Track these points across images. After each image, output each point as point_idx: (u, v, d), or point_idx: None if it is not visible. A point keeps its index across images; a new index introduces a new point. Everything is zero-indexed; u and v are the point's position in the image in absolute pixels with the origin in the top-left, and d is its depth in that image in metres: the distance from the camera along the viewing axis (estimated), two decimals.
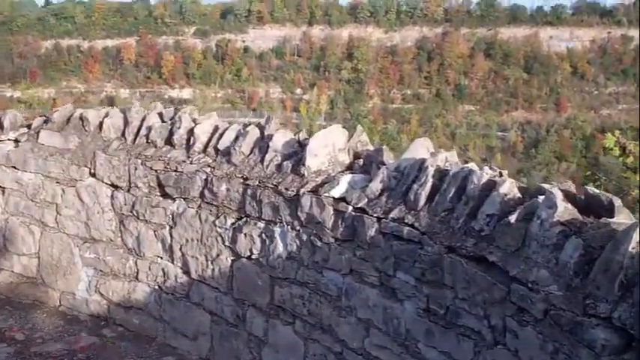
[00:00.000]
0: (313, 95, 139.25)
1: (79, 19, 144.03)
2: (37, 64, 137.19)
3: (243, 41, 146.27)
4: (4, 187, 8.92)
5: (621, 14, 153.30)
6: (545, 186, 4.88)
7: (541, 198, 4.71)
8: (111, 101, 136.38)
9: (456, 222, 5.18)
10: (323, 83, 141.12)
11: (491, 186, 5.08)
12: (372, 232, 5.78)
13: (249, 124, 7.33)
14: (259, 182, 6.81)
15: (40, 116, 9.16)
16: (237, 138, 7.24)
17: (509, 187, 5.00)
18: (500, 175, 5.23)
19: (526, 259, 4.57)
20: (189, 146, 7.61)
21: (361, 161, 6.54)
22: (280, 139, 6.94)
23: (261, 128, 7.22)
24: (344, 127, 7.23)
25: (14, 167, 8.78)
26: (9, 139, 8.84)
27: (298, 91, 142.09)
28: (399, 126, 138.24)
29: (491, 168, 5.34)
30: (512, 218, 4.73)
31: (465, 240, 5.03)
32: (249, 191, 6.92)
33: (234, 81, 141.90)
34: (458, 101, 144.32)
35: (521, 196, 5.01)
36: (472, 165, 5.42)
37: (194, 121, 7.85)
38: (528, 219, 4.64)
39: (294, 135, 7.08)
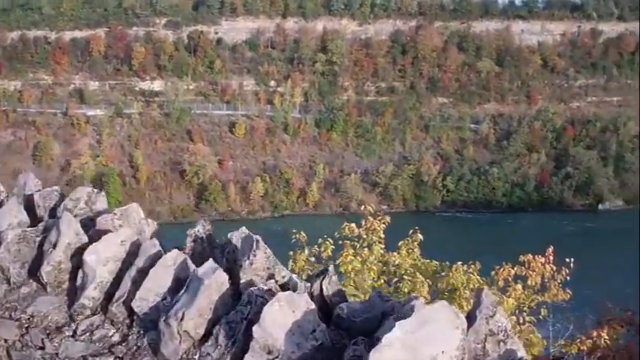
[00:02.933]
0: (287, 88, 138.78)
1: (46, 9, 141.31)
2: (3, 55, 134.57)
3: (216, 33, 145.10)
4: None
5: (591, 8, 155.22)
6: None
7: None
8: (80, 94, 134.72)
9: None
10: (297, 75, 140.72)
11: None
12: None
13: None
14: None
15: None
16: None
17: None
18: None
19: None
20: None
21: None
22: None
23: None
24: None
25: None
26: None
27: (272, 83, 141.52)
28: (373, 119, 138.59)
29: None
30: None
31: None
32: None
33: (207, 73, 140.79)
34: (431, 94, 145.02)
35: None
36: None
37: None
38: None
39: None
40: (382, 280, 13.15)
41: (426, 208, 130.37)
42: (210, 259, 4.78)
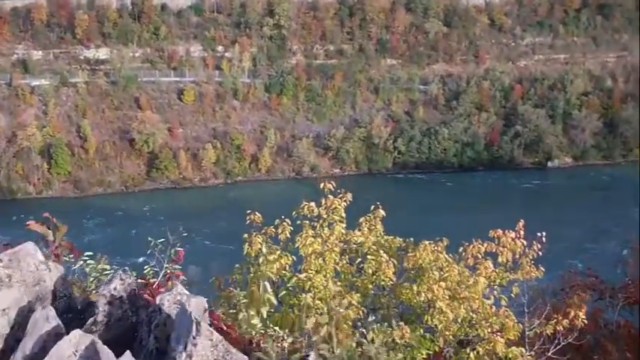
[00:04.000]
0: (235, 52, 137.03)
1: None
2: None
3: None
4: None
5: None
6: None
7: None
8: (23, 64, 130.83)
9: None
10: (245, 40, 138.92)
11: None
12: None
13: None
14: None
15: None
16: None
17: None
18: None
19: None
20: None
21: None
22: None
23: None
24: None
25: None
26: None
27: (220, 48, 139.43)
28: (323, 82, 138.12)
29: None
30: None
31: None
32: None
33: (153, 40, 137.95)
34: (380, 56, 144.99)
35: None
36: None
37: None
38: None
39: None
40: (344, 261, 12.96)
41: (378, 171, 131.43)
42: (128, 354, 3.37)
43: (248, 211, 13.95)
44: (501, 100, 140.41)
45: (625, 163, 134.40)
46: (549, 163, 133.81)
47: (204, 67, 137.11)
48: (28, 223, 5.27)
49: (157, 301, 3.90)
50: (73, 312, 3.81)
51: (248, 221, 13.75)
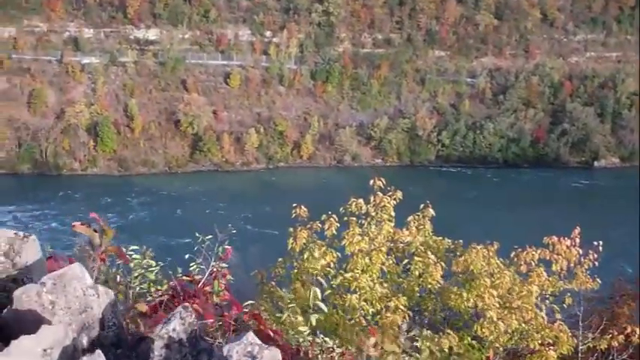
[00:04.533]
0: (283, 38, 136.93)
1: None
2: None
3: None
4: None
5: None
6: None
7: None
8: (75, 41, 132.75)
9: None
10: (293, 26, 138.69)
11: None
12: None
13: None
14: None
15: None
16: None
17: None
18: None
19: None
20: None
21: None
22: None
23: None
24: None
25: None
26: None
27: (268, 33, 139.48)
28: (369, 71, 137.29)
29: None
30: None
31: None
32: None
33: (202, 22, 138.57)
34: (428, 46, 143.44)
35: None
36: None
37: None
38: None
39: None
40: (391, 261, 12.60)
41: (421, 163, 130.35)
42: None
43: (294, 205, 13.55)
44: (550, 96, 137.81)
45: None
46: (596, 163, 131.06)
47: (252, 51, 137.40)
48: (73, 224, 4.93)
49: (225, 352, 3.50)
50: (123, 346, 3.43)
51: (294, 215, 13.37)
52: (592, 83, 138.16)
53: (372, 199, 13.26)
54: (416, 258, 12.30)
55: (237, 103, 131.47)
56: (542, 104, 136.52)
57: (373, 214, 13.09)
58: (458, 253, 12.70)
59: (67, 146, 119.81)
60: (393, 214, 13.14)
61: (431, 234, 13.44)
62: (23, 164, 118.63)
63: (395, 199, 13.28)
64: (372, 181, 13.56)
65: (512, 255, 12.91)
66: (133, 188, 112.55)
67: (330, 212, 13.36)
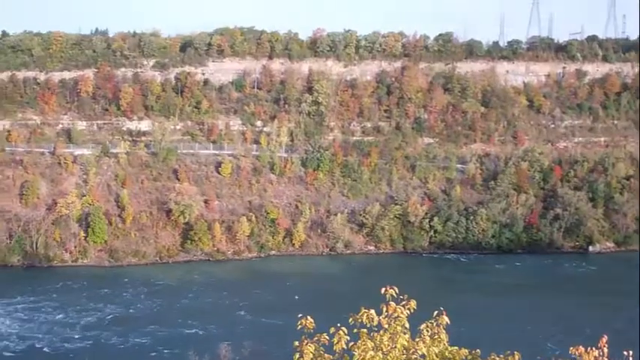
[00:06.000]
0: (273, 127, 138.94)
1: (36, 51, 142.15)
2: None
3: (203, 74, 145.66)
4: None
5: (575, 49, 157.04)
6: None
7: None
8: (68, 133, 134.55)
9: None
10: (283, 115, 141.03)
11: None
12: None
13: None
14: None
15: None
16: None
17: None
18: None
19: None
20: None
21: None
22: None
23: None
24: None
25: None
26: None
27: (259, 123, 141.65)
28: (359, 158, 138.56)
29: None
30: None
31: None
32: None
33: (194, 113, 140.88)
34: (417, 134, 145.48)
35: None
36: None
37: None
38: None
39: None
40: None
41: (414, 249, 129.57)
42: None
43: (299, 315, 12.89)
44: (540, 181, 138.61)
45: None
46: (590, 248, 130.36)
47: (243, 140, 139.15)
48: None
49: None
50: None
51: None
52: (582, 168, 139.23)
53: (383, 309, 12.51)
54: None
55: (229, 192, 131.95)
56: (533, 189, 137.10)
57: (386, 326, 12.29)
58: None
59: (58, 237, 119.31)
60: (407, 325, 12.37)
61: (447, 344, 12.57)
62: (13, 256, 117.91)
63: (409, 309, 12.53)
64: (383, 290, 12.78)
65: None
66: (124, 279, 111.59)
67: (339, 325, 12.54)
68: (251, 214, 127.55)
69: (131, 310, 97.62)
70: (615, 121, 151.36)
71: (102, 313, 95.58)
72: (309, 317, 12.62)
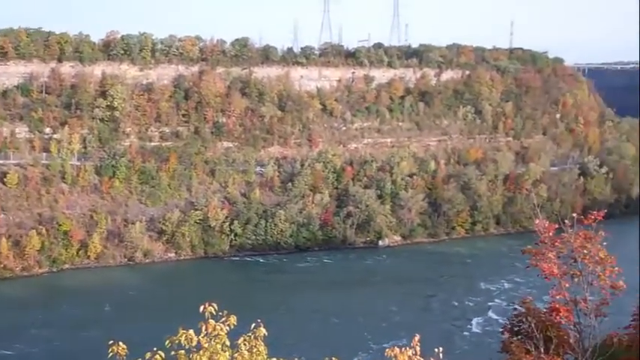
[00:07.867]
0: (64, 134, 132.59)
1: None
2: None
3: None
4: None
5: (363, 56, 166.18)
6: None
7: None
8: None
9: None
10: (75, 121, 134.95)
11: None
12: None
13: None
14: None
15: None
16: None
17: None
18: None
19: None
20: None
21: None
22: None
23: None
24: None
25: None
26: None
27: (48, 130, 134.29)
28: (157, 164, 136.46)
29: None
30: None
31: None
32: None
33: None
34: (216, 138, 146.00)
35: None
36: None
37: None
38: None
39: None
40: None
41: (215, 254, 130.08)
42: None
43: (110, 342, 12.12)
44: (334, 181, 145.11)
45: (448, 240, 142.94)
46: (380, 242, 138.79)
47: (31, 149, 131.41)
48: None
49: None
50: None
51: (110, 354, 11.99)
52: (371, 167, 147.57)
53: (202, 327, 12.09)
54: None
55: (16, 204, 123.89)
56: (327, 189, 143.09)
57: (206, 345, 11.88)
58: None
59: None
60: (227, 343, 12.06)
61: (265, 356, 12.40)
62: None
63: (229, 325, 12.21)
64: (202, 308, 12.32)
65: None
66: None
67: (155, 349, 12.02)
68: (41, 226, 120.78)
69: None
70: (400, 123, 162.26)
71: None
72: (120, 343, 12.06)
